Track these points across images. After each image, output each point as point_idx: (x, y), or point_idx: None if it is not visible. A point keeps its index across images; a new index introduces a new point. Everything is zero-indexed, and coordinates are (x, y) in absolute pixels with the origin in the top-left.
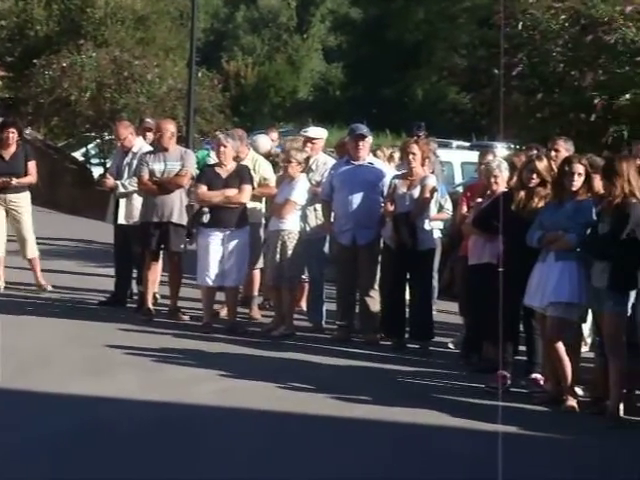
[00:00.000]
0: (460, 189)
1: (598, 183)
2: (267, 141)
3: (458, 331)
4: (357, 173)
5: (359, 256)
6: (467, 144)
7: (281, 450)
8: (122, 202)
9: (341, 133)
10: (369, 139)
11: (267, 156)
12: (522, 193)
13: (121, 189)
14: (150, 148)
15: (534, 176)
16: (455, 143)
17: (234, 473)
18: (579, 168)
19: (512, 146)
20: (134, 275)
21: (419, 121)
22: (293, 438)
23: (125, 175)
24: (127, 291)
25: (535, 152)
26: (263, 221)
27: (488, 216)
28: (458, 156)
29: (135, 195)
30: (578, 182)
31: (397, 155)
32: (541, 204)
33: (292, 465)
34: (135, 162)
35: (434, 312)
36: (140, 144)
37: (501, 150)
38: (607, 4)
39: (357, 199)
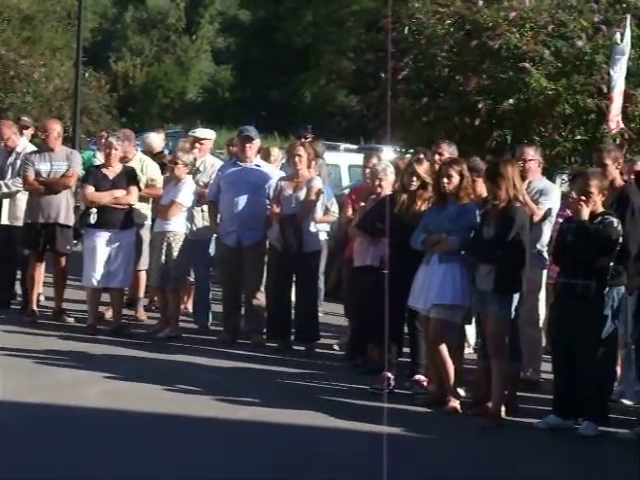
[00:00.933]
0: (347, 192)
1: (481, 186)
2: (159, 140)
3: (343, 333)
4: (243, 175)
5: (244, 258)
6: (355, 147)
7: (165, 452)
8: (5, 203)
9: (230, 135)
10: (256, 141)
11: (156, 156)
12: (404, 196)
13: (4, 189)
14: (34, 148)
15: (414, 179)
16: (343, 146)
17: (116, 474)
18: (450, 171)
19: (399, 149)
20: (18, 276)
21: (307, 124)
22: (178, 440)
23: (8, 175)
24: (10, 292)
25: (421, 156)
26: (149, 222)
27: (372, 219)
28: (346, 159)
29: (19, 195)
30: (450, 185)
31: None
32: (424, 207)
33: (176, 466)
34: (19, 162)
35: (320, 314)
36: (24, 144)
37: (388, 153)
38: (491, 10)
39: (243, 201)
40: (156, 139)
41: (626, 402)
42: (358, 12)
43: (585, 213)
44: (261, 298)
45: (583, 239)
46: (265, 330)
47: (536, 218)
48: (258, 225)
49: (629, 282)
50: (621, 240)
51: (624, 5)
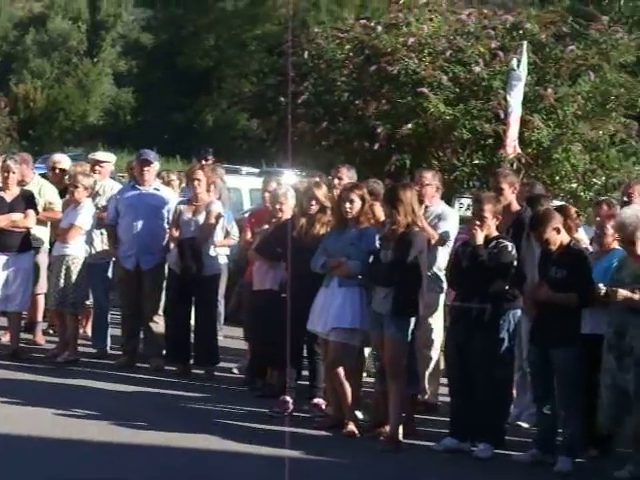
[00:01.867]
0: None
1: (379, 210)
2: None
3: (243, 356)
4: (142, 198)
5: (143, 281)
6: (257, 170)
7: (57, 476)
8: None
9: (131, 158)
10: (155, 165)
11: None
12: (303, 220)
13: None
14: None
15: (313, 203)
16: (245, 170)
17: None
18: (352, 196)
19: (299, 173)
20: None
21: (209, 147)
22: (72, 465)
23: None
24: None
25: (317, 179)
26: (47, 245)
27: (272, 243)
28: (247, 182)
29: None
30: (352, 210)
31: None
32: (322, 230)
33: None
34: None
35: (220, 337)
36: None
37: (289, 177)
38: (390, 36)
39: (141, 224)
40: (66, 158)
41: (522, 424)
42: (260, 36)
43: (479, 237)
44: (160, 322)
45: (478, 263)
46: (164, 354)
47: (433, 242)
48: (157, 249)
49: (526, 310)
50: (516, 264)
51: (520, 32)
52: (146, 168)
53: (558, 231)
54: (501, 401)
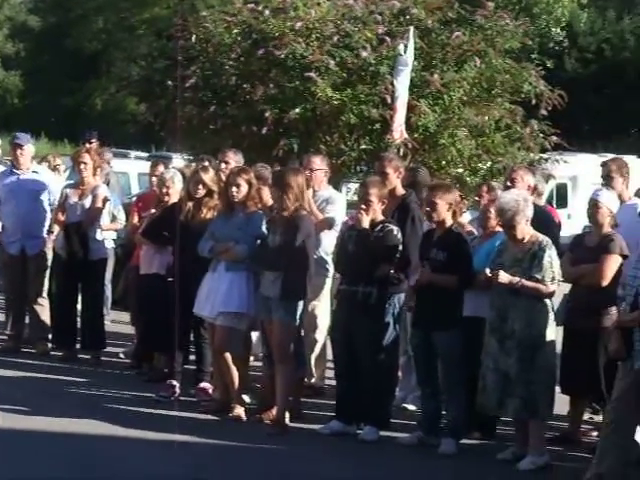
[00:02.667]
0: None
1: (267, 195)
2: None
3: (130, 341)
4: (22, 184)
5: (28, 265)
6: (146, 155)
7: None
8: None
9: None
10: (27, 147)
11: None
12: (190, 204)
13: None
14: None
15: (200, 187)
16: (133, 154)
17: None
18: (239, 180)
19: (187, 157)
20: None
21: (97, 130)
22: None
23: None
24: None
25: (206, 163)
26: None
27: (158, 227)
28: (136, 167)
29: None
30: (239, 194)
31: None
32: (209, 215)
33: None
34: None
35: (107, 322)
36: None
37: (178, 161)
38: (278, 20)
39: (24, 209)
40: None
41: (407, 407)
42: (149, 20)
43: (365, 221)
44: (45, 304)
45: (363, 247)
46: (50, 338)
47: (321, 226)
48: (41, 233)
49: (406, 299)
50: (401, 248)
51: (407, 17)
52: (19, 151)
53: (449, 208)
54: (386, 384)
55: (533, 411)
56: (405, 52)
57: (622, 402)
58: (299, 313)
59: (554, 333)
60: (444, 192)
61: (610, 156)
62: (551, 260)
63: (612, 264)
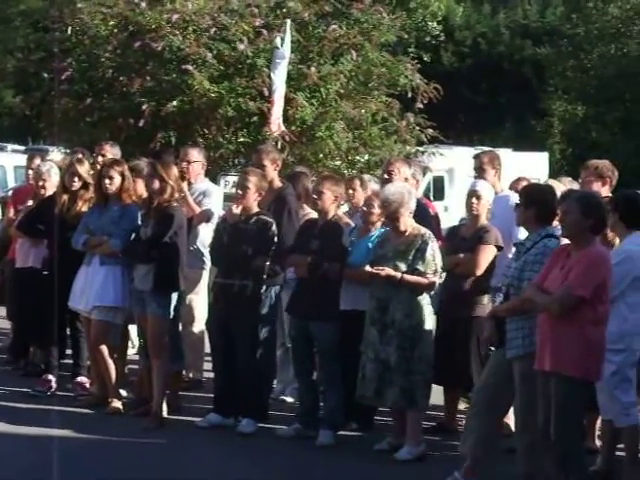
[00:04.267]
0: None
1: (141, 187)
2: None
3: (6, 335)
4: None
5: None
6: (22, 148)
7: None
8: None
9: None
10: None
11: None
12: (65, 196)
13: None
14: None
15: (76, 179)
16: (10, 147)
17: None
18: (112, 172)
19: (64, 150)
20: None
21: None
22: None
23: None
24: None
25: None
26: None
27: (34, 220)
28: (12, 160)
29: None
30: (112, 186)
31: None
32: (85, 207)
33: None
34: None
35: None
36: None
37: (55, 154)
38: (154, 12)
39: None
40: None
41: (286, 399)
42: (25, 12)
43: (239, 208)
44: None
45: (238, 239)
46: None
47: (198, 219)
48: None
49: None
50: (276, 240)
51: (284, 10)
52: None
53: (335, 200)
54: (264, 377)
55: (411, 401)
56: (282, 45)
57: (487, 389)
58: (172, 306)
59: (433, 324)
60: (332, 184)
61: (486, 149)
62: (433, 253)
63: (487, 254)
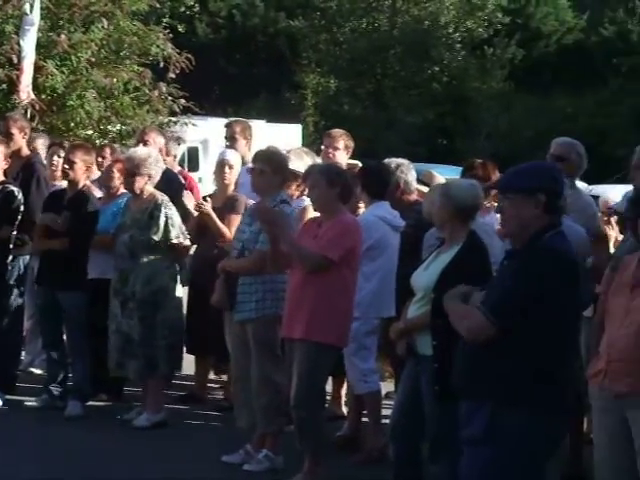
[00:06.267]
0: None
1: None
2: None
3: None
4: None
5: None
6: None
7: None
8: None
9: None
10: None
11: None
12: None
13: None
14: None
15: None
16: None
17: None
18: None
19: None
20: None
21: None
22: None
23: None
24: None
25: None
26: None
27: None
28: None
29: None
30: None
31: None
32: None
33: None
34: None
35: None
36: None
37: None
38: None
39: None
40: None
41: (34, 371)
42: None
43: None
44: None
45: None
46: None
47: None
48: None
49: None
50: (23, 209)
51: None
52: None
53: (87, 170)
54: (11, 348)
55: (153, 369)
56: (31, 11)
57: (239, 360)
58: None
59: (179, 292)
60: (84, 153)
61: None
62: (167, 218)
63: (238, 223)
